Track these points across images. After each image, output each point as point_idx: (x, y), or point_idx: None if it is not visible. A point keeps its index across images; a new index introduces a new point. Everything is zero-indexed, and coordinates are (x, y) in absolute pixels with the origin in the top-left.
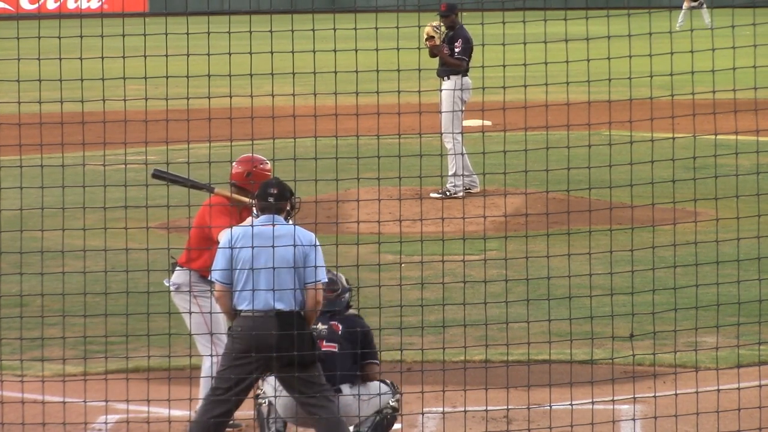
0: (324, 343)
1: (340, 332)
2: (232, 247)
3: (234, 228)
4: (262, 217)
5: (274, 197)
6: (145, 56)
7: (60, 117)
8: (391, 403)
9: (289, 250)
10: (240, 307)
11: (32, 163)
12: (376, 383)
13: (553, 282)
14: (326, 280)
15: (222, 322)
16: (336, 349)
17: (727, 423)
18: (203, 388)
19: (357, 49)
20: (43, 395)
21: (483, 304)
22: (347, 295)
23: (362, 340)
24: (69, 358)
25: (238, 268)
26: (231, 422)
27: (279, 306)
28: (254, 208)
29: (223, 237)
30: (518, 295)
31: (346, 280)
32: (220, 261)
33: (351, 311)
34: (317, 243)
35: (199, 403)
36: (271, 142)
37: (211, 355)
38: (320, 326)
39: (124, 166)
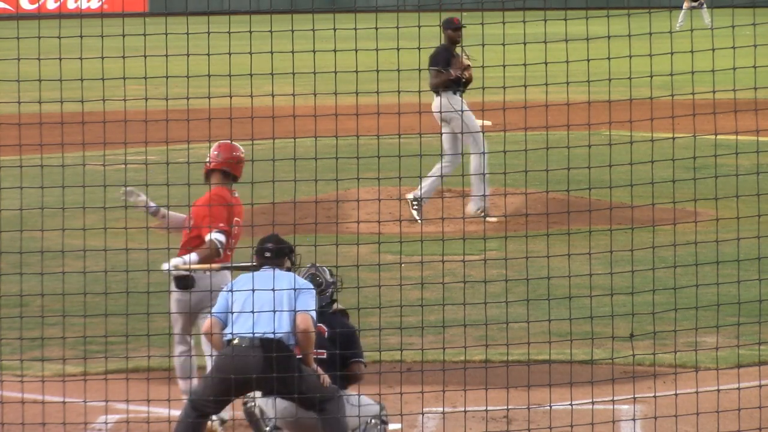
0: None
1: (326, 335)
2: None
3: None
4: (263, 269)
5: (271, 253)
6: (145, 56)
7: (60, 117)
8: (382, 418)
9: (285, 294)
10: (227, 338)
11: (32, 163)
12: (363, 398)
13: (553, 282)
14: (314, 314)
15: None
16: (324, 356)
17: (727, 423)
18: (179, 370)
19: (357, 49)
20: (43, 395)
21: (483, 304)
22: (331, 289)
23: (346, 341)
24: (69, 358)
25: (234, 306)
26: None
27: (265, 335)
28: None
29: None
30: (518, 295)
31: (330, 273)
32: (218, 302)
33: (336, 306)
34: (311, 288)
35: (183, 405)
36: (271, 142)
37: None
38: None
39: (124, 166)
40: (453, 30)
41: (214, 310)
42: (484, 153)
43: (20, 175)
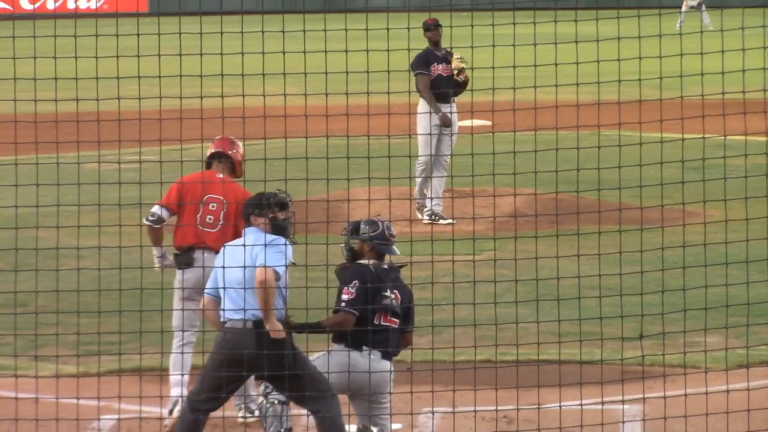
0: (388, 316)
1: (399, 304)
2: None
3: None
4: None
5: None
6: (138, 56)
7: (57, 117)
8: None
9: (248, 259)
10: (222, 319)
11: (43, 162)
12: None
13: (559, 282)
14: (268, 264)
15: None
16: (396, 325)
17: (738, 423)
18: (172, 365)
19: (347, 50)
20: (57, 396)
21: (491, 305)
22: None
23: (408, 312)
24: (82, 355)
25: (220, 282)
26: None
27: (250, 317)
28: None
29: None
30: (525, 296)
31: (388, 227)
32: (210, 279)
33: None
34: (276, 243)
35: (185, 402)
36: (263, 142)
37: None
38: (390, 295)
39: (139, 164)
40: (427, 30)
41: (206, 287)
42: (446, 156)
43: (35, 174)
